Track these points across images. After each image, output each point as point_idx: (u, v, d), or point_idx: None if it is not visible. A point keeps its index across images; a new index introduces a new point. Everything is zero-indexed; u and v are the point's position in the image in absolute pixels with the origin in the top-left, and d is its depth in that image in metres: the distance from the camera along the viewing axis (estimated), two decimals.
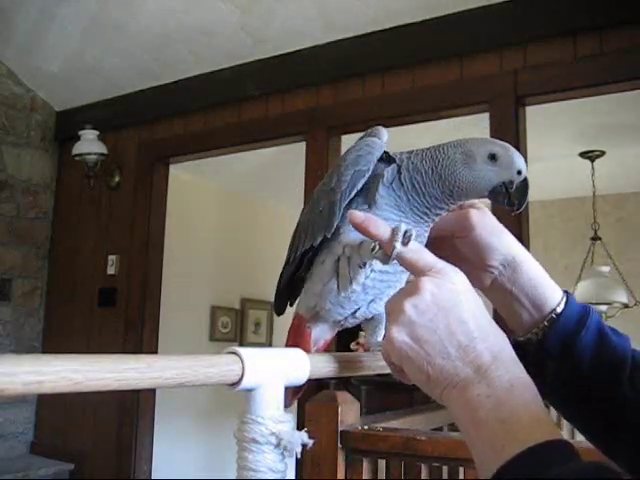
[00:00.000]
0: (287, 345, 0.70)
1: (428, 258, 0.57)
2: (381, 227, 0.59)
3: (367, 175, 0.66)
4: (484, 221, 0.66)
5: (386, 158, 0.68)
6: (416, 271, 0.57)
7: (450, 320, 0.53)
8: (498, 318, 0.65)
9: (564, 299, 0.66)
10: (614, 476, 0.45)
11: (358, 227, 0.60)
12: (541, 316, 0.65)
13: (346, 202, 0.66)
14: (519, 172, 0.63)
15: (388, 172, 0.66)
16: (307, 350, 0.69)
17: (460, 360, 0.52)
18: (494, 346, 0.53)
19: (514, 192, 0.63)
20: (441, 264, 0.56)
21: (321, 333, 0.73)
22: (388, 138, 0.70)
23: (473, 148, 0.64)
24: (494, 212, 0.70)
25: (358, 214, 0.60)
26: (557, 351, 0.64)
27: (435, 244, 0.60)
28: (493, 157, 0.63)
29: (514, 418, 0.49)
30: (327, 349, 0.75)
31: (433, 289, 0.54)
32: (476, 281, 0.68)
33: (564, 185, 4.81)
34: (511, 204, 0.64)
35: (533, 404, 0.51)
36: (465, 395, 0.51)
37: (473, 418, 0.51)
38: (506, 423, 0.49)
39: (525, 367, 0.62)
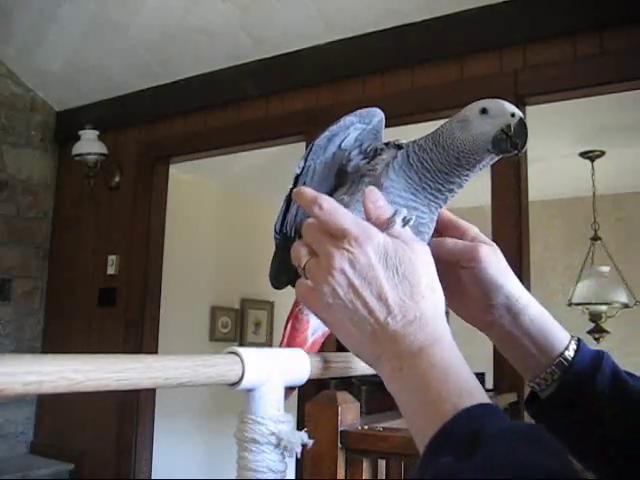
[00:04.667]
0: (284, 332, 0.69)
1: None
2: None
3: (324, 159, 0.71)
4: (493, 258, 0.65)
5: (395, 146, 0.70)
6: None
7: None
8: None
9: (573, 343, 0.64)
10: (548, 436, 0.44)
11: None
12: (548, 361, 0.63)
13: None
14: (512, 114, 0.65)
15: (399, 156, 0.67)
16: (303, 339, 0.69)
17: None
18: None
19: (514, 134, 0.64)
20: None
21: (320, 323, 0.72)
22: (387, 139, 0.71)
23: (465, 112, 0.67)
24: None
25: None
26: (571, 398, 0.61)
27: (440, 267, 0.59)
28: (484, 111, 0.65)
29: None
30: (328, 339, 0.74)
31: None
32: (476, 319, 0.67)
33: (564, 185, 4.81)
34: (514, 146, 0.64)
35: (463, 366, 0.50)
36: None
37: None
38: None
39: (539, 415, 0.63)
